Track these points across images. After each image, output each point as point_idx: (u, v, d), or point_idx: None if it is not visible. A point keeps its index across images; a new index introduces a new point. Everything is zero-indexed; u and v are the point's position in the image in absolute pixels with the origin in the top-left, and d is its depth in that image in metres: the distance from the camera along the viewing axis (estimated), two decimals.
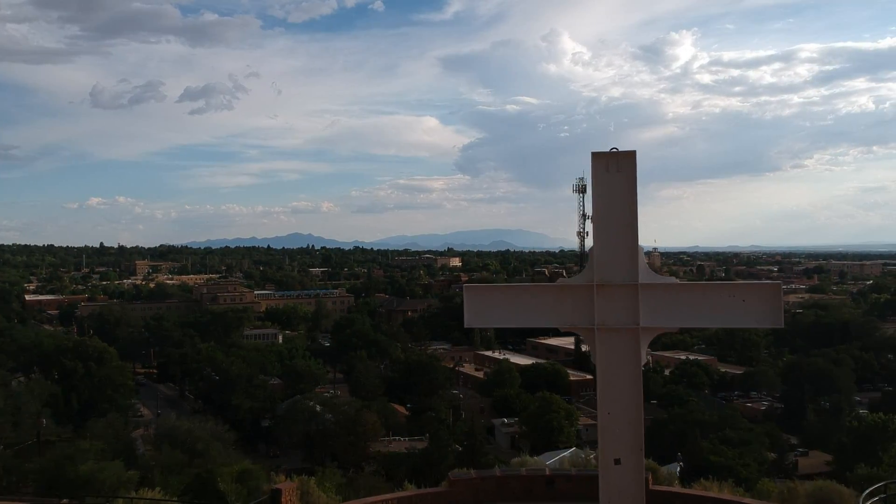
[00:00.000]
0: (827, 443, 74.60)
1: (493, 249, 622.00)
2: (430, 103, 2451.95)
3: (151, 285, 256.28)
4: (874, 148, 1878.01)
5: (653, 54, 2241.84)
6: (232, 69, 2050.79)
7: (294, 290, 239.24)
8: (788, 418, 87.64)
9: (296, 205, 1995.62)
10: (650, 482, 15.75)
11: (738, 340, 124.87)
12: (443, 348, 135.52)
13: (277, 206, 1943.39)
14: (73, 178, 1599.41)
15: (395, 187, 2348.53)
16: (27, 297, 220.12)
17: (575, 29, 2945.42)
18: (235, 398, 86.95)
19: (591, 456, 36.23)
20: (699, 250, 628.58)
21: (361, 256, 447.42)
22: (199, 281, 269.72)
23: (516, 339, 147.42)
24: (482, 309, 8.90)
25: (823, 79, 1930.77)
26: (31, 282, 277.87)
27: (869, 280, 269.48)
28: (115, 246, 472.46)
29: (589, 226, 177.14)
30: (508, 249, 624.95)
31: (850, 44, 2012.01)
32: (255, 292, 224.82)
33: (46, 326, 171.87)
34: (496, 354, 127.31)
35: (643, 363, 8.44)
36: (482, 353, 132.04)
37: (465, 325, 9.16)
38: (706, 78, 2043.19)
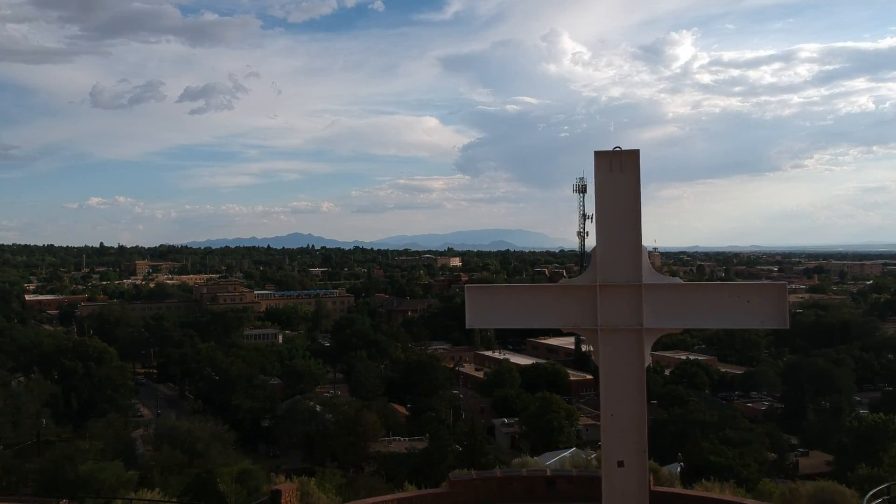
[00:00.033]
0: (827, 443, 74.58)
1: (493, 249, 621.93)
2: (430, 103, 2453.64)
3: (151, 285, 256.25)
4: (874, 148, 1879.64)
5: (653, 54, 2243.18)
6: (232, 69, 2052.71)
7: (294, 290, 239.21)
8: (789, 418, 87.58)
9: (296, 205, 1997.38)
10: (651, 483, 15.69)
11: (739, 340, 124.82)
12: (443, 348, 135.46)
13: (277, 206, 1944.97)
14: (73, 178, 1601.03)
15: (395, 187, 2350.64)
16: (27, 297, 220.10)
17: (575, 29, 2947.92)
18: (235, 398, 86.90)
19: (592, 456, 36.18)
20: (699, 250, 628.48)
21: (361, 256, 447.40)
22: (199, 281, 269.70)
23: (516, 339, 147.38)
24: (484, 309, 8.81)
25: (823, 79, 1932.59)
26: (31, 282, 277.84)
27: (869, 280, 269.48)
28: (115, 246, 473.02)
29: (589, 226, 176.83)
30: (508, 249, 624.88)
31: (850, 44, 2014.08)
32: (255, 292, 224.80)
33: (46, 326, 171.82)
34: (496, 354, 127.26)
35: (647, 364, 8.37)
36: (482, 353, 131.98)
37: (467, 326, 9.08)
38: (706, 78, 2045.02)
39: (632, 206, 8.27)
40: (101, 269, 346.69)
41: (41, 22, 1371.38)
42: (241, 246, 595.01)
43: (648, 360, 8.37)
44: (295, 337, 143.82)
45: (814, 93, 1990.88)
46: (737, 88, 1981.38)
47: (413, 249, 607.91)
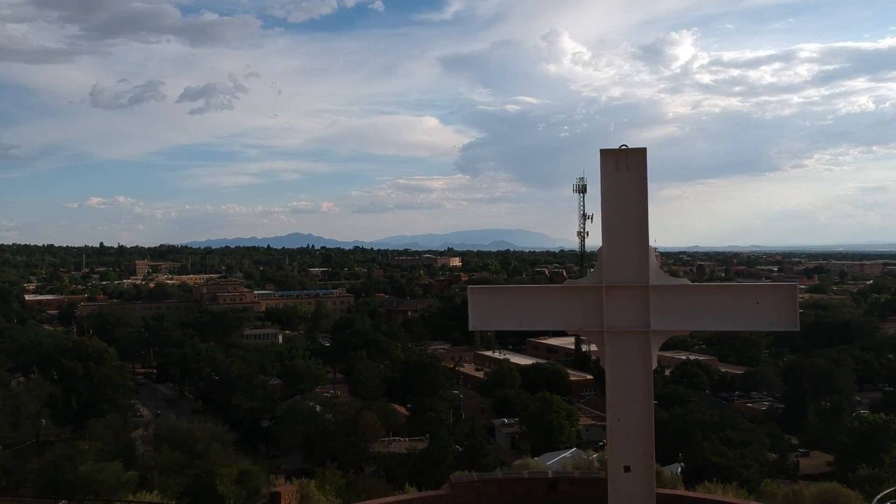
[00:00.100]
0: (828, 443, 74.48)
1: (493, 249, 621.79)
2: (430, 103, 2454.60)
3: (151, 285, 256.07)
4: (874, 148, 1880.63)
5: (653, 54, 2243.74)
6: (232, 69, 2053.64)
7: (294, 290, 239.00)
8: (789, 418, 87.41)
9: (296, 205, 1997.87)
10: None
11: (739, 340, 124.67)
12: (443, 348, 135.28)
13: (277, 206, 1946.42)
14: (73, 178, 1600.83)
15: (395, 187, 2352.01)
16: (27, 297, 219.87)
17: (575, 29, 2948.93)
18: (235, 398, 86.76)
19: (594, 457, 36.00)
20: (699, 250, 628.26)
21: (361, 256, 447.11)
22: (198, 281, 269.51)
23: (516, 339, 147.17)
24: (487, 311, 8.64)
25: (823, 79, 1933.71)
26: (31, 282, 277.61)
27: (869, 280, 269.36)
28: (115, 246, 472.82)
29: (589, 226, 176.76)
30: (508, 249, 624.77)
31: (850, 44, 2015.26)
32: (255, 292, 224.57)
33: (46, 326, 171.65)
34: (496, 354, 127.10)
35: (653, 367, 8.20)
36: (482, 353, 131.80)
37: (470, 328, 8.90)
38: (706, 78, 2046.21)
39: (639, 205, 8.09)
40: (100, 269, 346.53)
41: (41, 22, 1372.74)
42: (241, 246, 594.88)
43: (655, 363, 8.20)
44: (295, 337, 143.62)
45: (814, 93, 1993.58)
46: (737, 88, 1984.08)
47: (413, 249, 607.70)
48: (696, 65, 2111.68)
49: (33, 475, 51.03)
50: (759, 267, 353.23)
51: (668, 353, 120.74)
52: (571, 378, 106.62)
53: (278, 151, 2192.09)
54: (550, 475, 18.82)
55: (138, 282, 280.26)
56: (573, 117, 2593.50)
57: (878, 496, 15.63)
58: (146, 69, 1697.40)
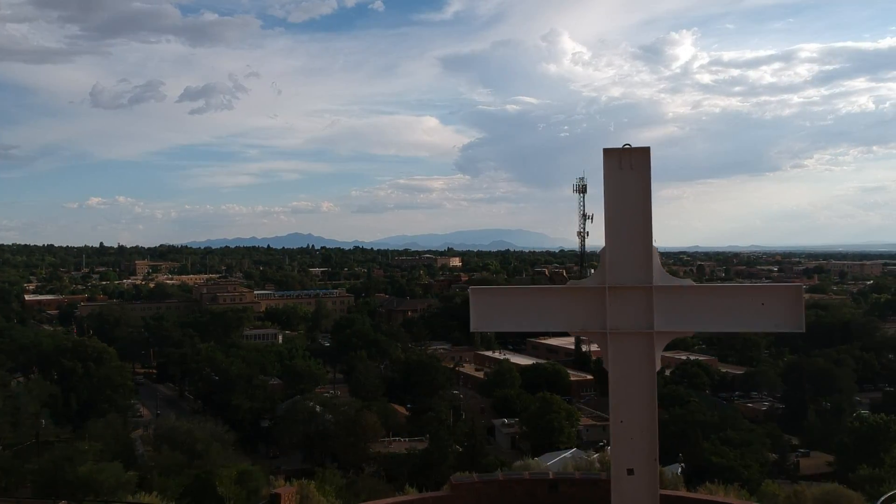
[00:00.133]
0: (828, 443, 74.42)
1: (493, 249, 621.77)
2: (430, 103, 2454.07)
3: (151, 285, 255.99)
4: (874, 148, 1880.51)
5: (653, 54, 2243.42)
6: (232, 69, 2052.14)
7: (294, 290, 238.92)
8: (789, 419, 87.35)
9: (296, 205, 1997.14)
10: None
11: (739, 340, 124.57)
12: (443, 348, 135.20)
13: (277, 206, 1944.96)
14: (73, 178, 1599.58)
15: (395, 187, 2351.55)
16: (27, 297, 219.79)
17: (575, 29, 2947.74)
18: (235, 398, 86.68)
19: (594, 457, 35.95)
20: (699, 250, 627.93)
21: (361, 256, 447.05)
22: (198, 281, 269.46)
23: (516, 339, 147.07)
24: (489, 312, 8.54)
25: (823, 79, 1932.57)
26: (31, 282, 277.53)
27: (869, 280, 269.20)
28: (115, 246, 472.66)
29: (589, 226, 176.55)
30: (508, 249, 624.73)
31: (850, 44, 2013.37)
32: (255, 292, 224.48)
33: (46, 326, 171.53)
34: (496, 354, 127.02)
35: (658, 369, 8.11)
36: (482, 353, 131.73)
37: (472, 330, 8.81)
38: (706, 78, 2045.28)
39: (642, 205, 7.99)
40: (100, 269, 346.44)
41: (41, 22, 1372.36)
42: (241, 246, 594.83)
43: (659, 365, 8.11)
44: (295, 337, 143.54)
45: (814, 93, 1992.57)
46: (737, 88, 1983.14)
47: (413, 249, 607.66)
48: (696, 65, 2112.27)
49: (33, 475, 51.01)
50: (759, 267, 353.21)
51: (668, 354, 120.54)
52: (571, 378, 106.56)
53: (278, 151, 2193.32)
54: (551, 476, 18.74)
55: (138, 282, 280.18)
56: (573, 117, 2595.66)
57: (883, 498, 15.52)
58: (146, 69, 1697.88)
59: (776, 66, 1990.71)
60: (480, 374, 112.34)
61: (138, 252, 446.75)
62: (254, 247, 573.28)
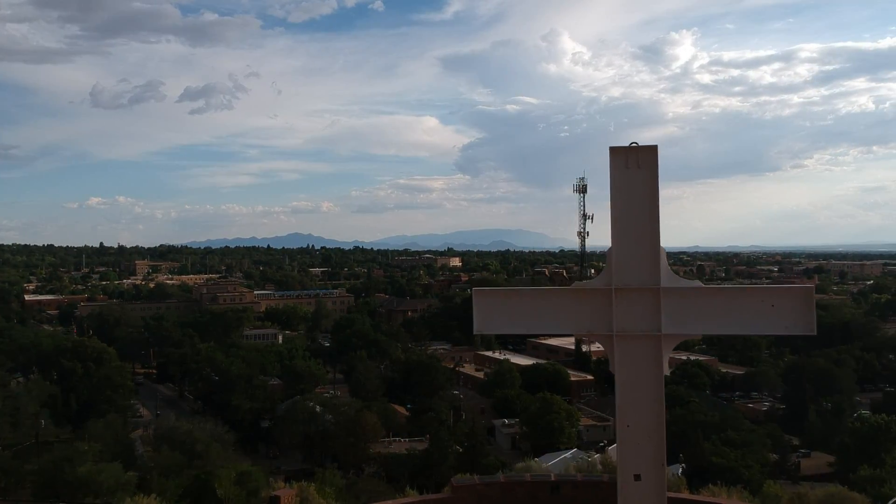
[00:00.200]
0: (829, 444, 74.31)
1: (493, 249, 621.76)
2: (430, 103, 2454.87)
3: (151, 285, 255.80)
4: (874, 148, 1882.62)
5: (653, 54, 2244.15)
6: (232, 69, 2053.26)
7: (294, 290, 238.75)
8: (790, 419, 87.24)
9: (296, 205, 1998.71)
10: None
11: (739, 340, 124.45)
12: (443, 348, 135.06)
13: (277, 206, 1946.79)
14: (73, 178, 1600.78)
15: (395, 187, 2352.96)
16: (27, 297, 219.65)
17: (575, 29, 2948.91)
18: (235, 399, 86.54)
19: (595, 457, 35.88)
20: (699, 250, 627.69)
21: (361, 256, 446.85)
22: (198, 281, 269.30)
23: (517, 339, 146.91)
24: (492, 314, 8.38)
25: (823, 79, 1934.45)
26: (31, 282, 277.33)
27: (869, 280, 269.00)
28: (115, 246, 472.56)
29: (589, 226, 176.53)
30: (508, 249, 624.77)
31: (850, 44, 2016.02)
32: (255, 292, 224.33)
33: (46, 326, 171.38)
34: (496, 355, 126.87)
35: (665, 373, 7.96)
36: (482, 353, 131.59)
37: (475, 332, 8.64)
38: (706, 78, 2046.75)
39: (649, 204, 7.83)
40: (100, 269, 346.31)
41: (41, 22, 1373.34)
42: (241, 246, 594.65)
43: (667, 369, 7.95)
44: (295, 337, 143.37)
45: (814, 93, 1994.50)
46: (737, 88, 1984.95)
47: (413, 249, 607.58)
48: (696, 65, 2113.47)
49: (32, 476, 50.91)
50: (759, 267, 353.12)
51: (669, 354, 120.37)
52: (572, 378, 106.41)
53: (278, 151, 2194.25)
54: (553, 478, 18.59)
55: (138, 282, 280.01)
56: (573, 117, 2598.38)
57: (890, 502, 15.40)
58: (146, 69, 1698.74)
59: (776, 66, 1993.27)
60: (480, 375, 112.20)
61: (138, 252, 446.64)
62: (254, 247, 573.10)
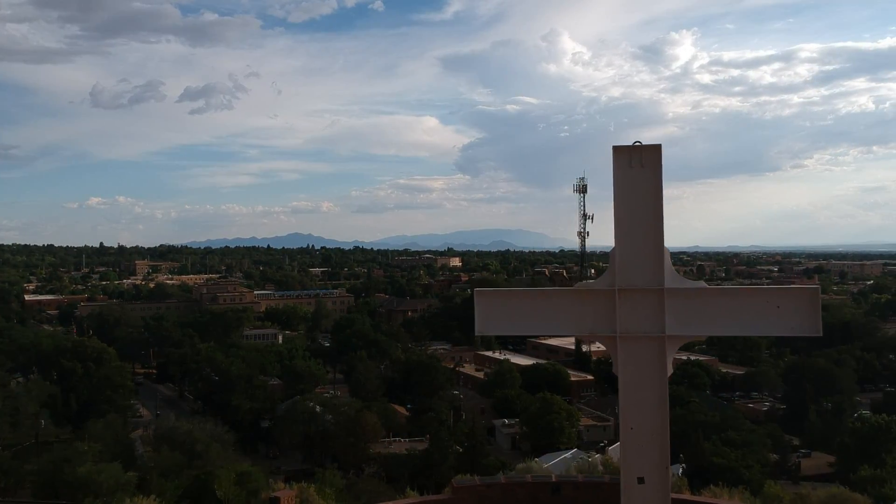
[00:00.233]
0: (829, 444, 74.26)
1: (493, 249, 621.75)
2: (430, 103, 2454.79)
3: (151, 285, 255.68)
4: (874, 148, 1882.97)
5: (653, 54, 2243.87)
6: (232, 69, 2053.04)
7: (294, 290, 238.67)
8: (790, 419, 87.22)
9: (296, 205, 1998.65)
10: None
11: (740, 340, 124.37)
12: (443, 348, 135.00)
13: (277, 206, 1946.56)
14: (73, 178, 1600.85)
15: (395, 187, 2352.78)
16: (27, 297, 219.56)
17: (575, 29, 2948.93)
18: (235, 399, 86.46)
19: (596, 457, 35.80)
20: (699, 250, 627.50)
21: (361, 256, 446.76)
22: (198, 281, 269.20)
23: (517, 339, 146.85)
24: (494, 315, 8.30)
25: (823, 79, 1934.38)
26: (31, 282, 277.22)
27: (869, 280, 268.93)
28: (115, 246, 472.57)
29: (589, 226, 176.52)
30: (508, 249, 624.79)
31: (850, 44, 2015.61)
32: (255, 292, 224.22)
33: (46, 326, 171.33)
34: (496, 355, 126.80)
35: (669, 374, 7.88)
36: (482, 353, 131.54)
37: (476, 333, 8.57)
38: (706, 78, 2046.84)
39: (653, 204, 7.75)
40: (100, 269, 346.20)
41: (41, 22, 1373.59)
42: (241, 246, 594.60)
43: (671, 370, 7.86)
44: (295, 337, 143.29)
45: (814, 93, 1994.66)
46: (737, 88, 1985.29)
47: (413, 249, 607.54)
48: (696, 65, 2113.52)
49: (32, 476, 50.87)
50: (759, 267, 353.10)
51: None
52: (572, 378, 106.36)
53: (278, 151, 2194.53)
54: (554, 479, 18.52)
55: (138, 282, 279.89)
56: (573, 117, 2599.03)
57: None
58: (146, 69, 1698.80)
59: (776, 66, 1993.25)
60: (480, 375, 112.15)
61: (138, 252, 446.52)
62: (254, 247, 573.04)
